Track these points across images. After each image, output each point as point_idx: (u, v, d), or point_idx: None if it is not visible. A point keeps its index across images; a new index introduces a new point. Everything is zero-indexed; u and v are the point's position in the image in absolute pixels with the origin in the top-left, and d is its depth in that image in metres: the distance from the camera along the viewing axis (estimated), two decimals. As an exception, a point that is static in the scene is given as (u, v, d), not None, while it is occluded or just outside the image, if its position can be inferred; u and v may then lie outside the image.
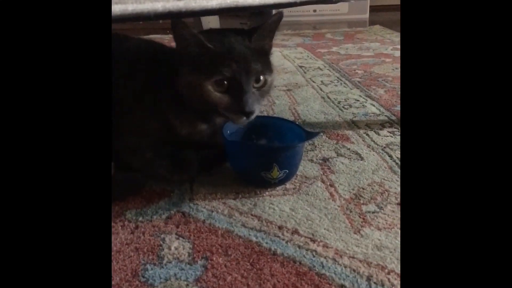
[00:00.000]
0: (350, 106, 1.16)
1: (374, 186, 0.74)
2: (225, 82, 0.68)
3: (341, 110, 1.13)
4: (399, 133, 0.96)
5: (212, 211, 0.68)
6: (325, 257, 0.57)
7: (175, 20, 0.64)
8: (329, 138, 0.94)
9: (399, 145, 0.89)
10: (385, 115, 1.08)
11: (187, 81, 0.70)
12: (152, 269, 0.56)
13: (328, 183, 0.75)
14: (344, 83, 1.39)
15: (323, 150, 0.88)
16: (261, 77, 0.71)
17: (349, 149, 0.89)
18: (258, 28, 0.72)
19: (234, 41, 0.70)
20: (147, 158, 0.75)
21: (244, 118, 0.69)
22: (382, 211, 0.67)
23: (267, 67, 0.73)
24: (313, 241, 0.60)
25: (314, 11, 3.13)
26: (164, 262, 0.57)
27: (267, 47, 0.75)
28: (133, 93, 0.76)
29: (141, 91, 0.76)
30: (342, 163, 0.82)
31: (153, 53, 0.82)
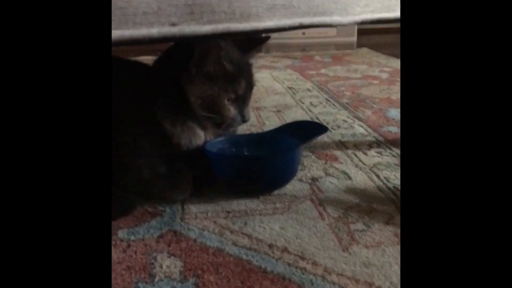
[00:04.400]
0: (339, 127, 1.19)
1: (362, 205, 0.75)
2: (237, 98, 0.80)
3: (330, 131, 1.16)
4: (387, 154, 0.98)
5: (203, 230, 0.69)
6: (314, 275, 0.58)
7: (212, 42, 0.73)
8: (318, 158, 0.96)
9: (387, 165, 0.91)
10: (373, 136, 1.10)
11: (201, 91, 0.77)
12: (144, 287, 0.57)
13: (317, 202, 0.77)
14: (333, 104, 1.42)
15: (312, 170, 0.90)
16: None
17: (337, 169, 0.90)
18: (252, 47, 0.85)
19: (241, 59, 0.82)
20: (143, 178, 0.77)
21: (241, 124, 0.84)
22: (369, 229, 0.68)
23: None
24: (303, 259, 0.61)
25: (303, 33, 3.19)
26: (156, 280, 0.58)
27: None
28: (125, 111, 0.78)
29: (133, 108, 0.78)
30: (331, 182, 0.84)
31: (143, 71, 0.85)
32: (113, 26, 0.40)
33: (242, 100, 0.82)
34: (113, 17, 0.40)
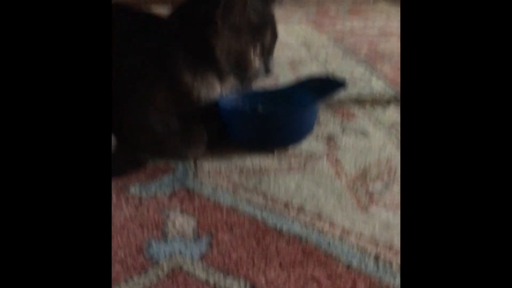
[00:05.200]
0: (356, 83, 1.14)
1: (381, 164, 0.73)
2: (262, 50, 0.78)
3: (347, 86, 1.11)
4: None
5: (216, 188, 0.67)
6: (332, 236, 0.56)
7: None
8: (334, 115, 0.93)
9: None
10: (391, 93, 1.06)
11: (228, 45, 0.75)
12: (156, 245, 0.55)
13: (334, 161, 0.74)
14: (349, 59, 1.37)
15: (329, 127, 0.87)
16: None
17: (355, 126, 0.87)
18: None
19: (266, 10, 0.79)
20: (156, 135, 0.74)
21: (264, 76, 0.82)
22: (388, 190, 0.66)
23: None
24: (319, 219, 0.59)
25: (318, -15, 3.07)
26: (169, 238, 0.57)
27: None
28: (138, 66, 0.75)
29: (146, 62, 0.75)
30: (348, 140, 0.81)
31: (157, 24, 0.81)
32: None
33: (267, 52, 0.80)
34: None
